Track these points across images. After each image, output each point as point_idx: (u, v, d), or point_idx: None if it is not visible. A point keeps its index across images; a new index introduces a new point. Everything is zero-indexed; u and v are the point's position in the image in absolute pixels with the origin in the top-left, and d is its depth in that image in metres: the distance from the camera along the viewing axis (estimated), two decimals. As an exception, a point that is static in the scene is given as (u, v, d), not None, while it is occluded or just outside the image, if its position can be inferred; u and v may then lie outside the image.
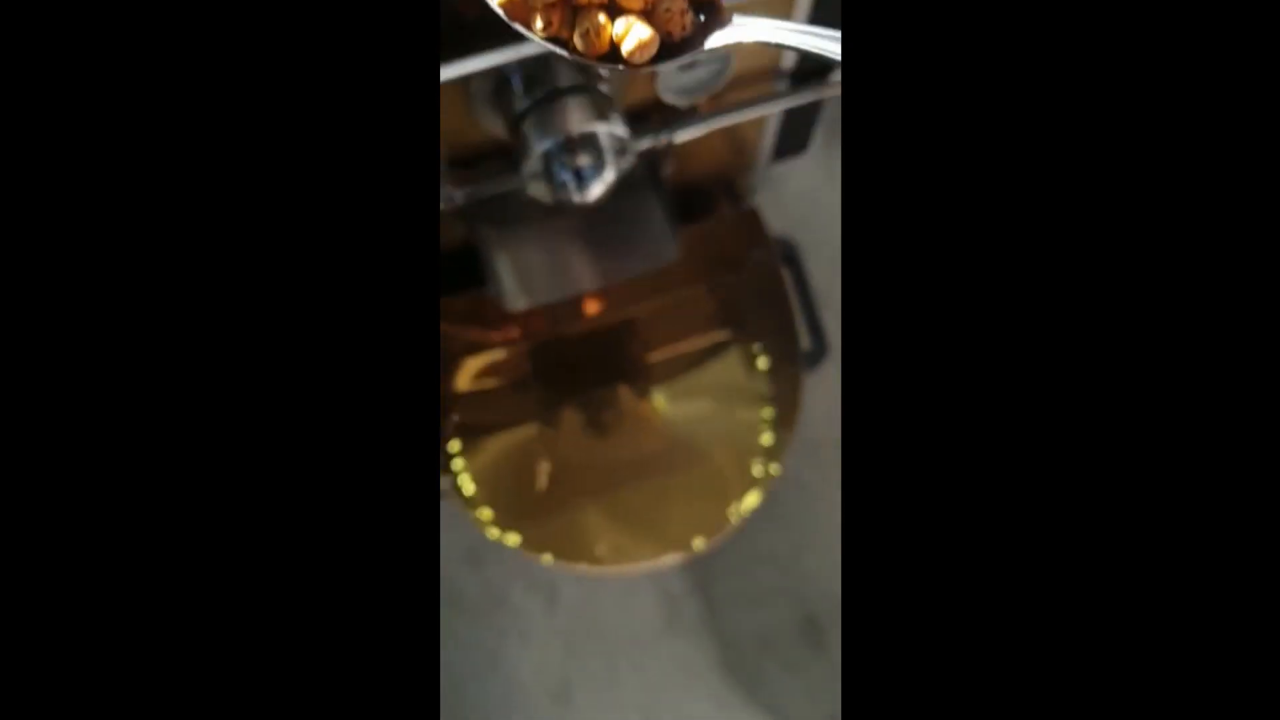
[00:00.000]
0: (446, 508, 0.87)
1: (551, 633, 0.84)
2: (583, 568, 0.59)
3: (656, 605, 0.86)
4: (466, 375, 0.74)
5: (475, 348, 0.74)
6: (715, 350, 0.77)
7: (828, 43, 0.21)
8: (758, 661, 0.85)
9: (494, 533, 0.59)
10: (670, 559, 0.63)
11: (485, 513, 0.64)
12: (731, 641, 0.85)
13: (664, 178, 0.56)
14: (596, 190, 0.43)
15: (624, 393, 0.75)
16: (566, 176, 0.42)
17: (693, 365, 0.77)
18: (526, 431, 0.72)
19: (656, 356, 0.76)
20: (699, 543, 0.61)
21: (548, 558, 0.60)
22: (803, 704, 0.84)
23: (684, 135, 0.51)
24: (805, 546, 0.87)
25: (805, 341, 0.65)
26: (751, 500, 0.63)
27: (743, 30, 0.22)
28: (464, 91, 0.43)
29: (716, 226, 0.65)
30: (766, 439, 0.69)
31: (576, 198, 0.43)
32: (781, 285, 0.65)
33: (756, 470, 0.69)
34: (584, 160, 0.41)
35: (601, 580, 0.86)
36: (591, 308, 0.77)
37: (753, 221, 0.65)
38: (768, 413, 0.71)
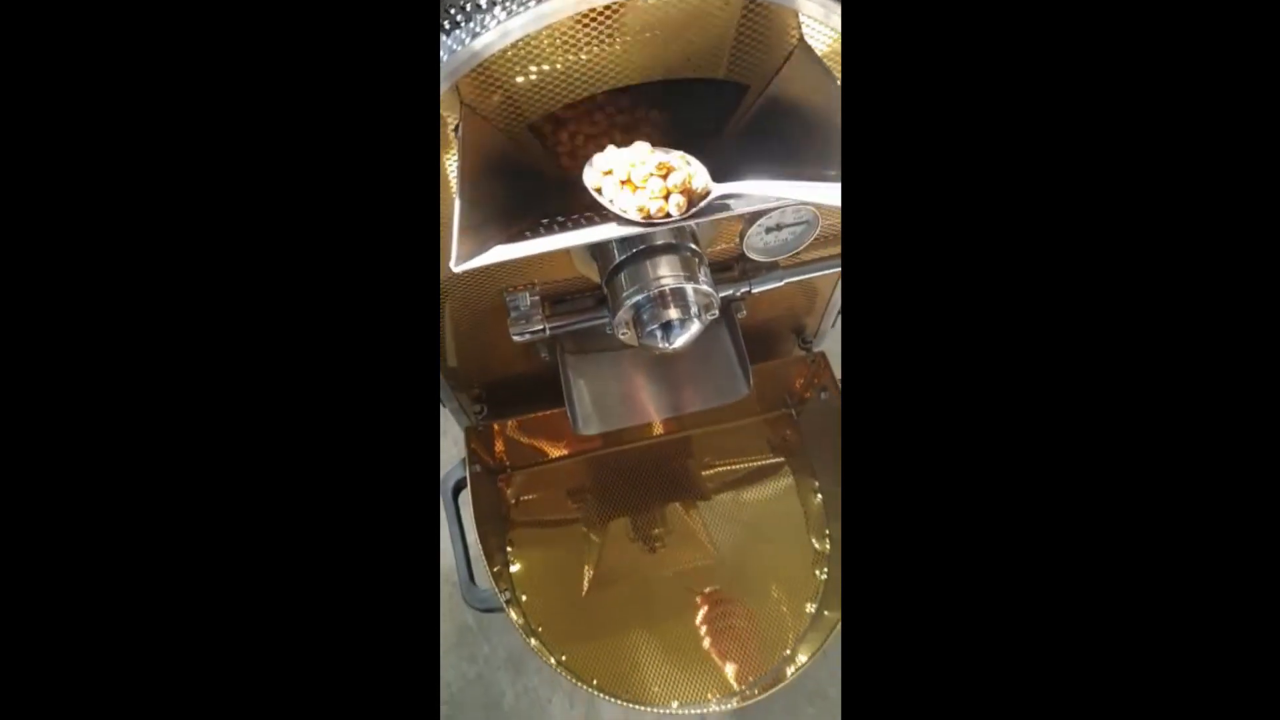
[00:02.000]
0: (494, 616, 0.87)
1: (586, 754, 0.82)
2: (629, 704, 0.58)
3: (696, 736, 0.83)
4: (525, 484, 0.76)
5: (539, 459, 0.76)
6: (766, 473, 0.77)
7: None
8: (798, 810, 0.80)
9: (545, 655, 0.59)
10: (720, 704, 0.62)
11: (539, 629, 0.64)
12: (771, 783, 0.81)
13: (739, 319, 0.58)
14: (681, 341, 0.45)
15: (674, 508, 0.76)
16: (655, 328, 0.44)
17: (744, 484, 0.78)
18: (573, 534, 0.73)
19: (713, 482, 0.77)
20: (752, 693, 0.59)
21: (594, 685, 0.59)
22: None
23: (762, 288, 0.54)
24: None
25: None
26: (809, 646, 0.62)
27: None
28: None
29: (785, 366, 0.67)
30: (824, 577, 0.68)
31: (663, 346, 0.45)
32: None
33: (810, 609, 0.68)
34: (673, 314, 0.44)
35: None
36: (655, 428, 0.79)
37: (820, 365, 0.67)
38: (825, 548, 0.70)
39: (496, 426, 0.65)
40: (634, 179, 0.36)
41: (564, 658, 0.63)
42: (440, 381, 0.60)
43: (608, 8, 0.35)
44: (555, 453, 0.76)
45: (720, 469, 0.80)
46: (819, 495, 0.74)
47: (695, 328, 0.45)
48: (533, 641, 0.59)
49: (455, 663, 0.86)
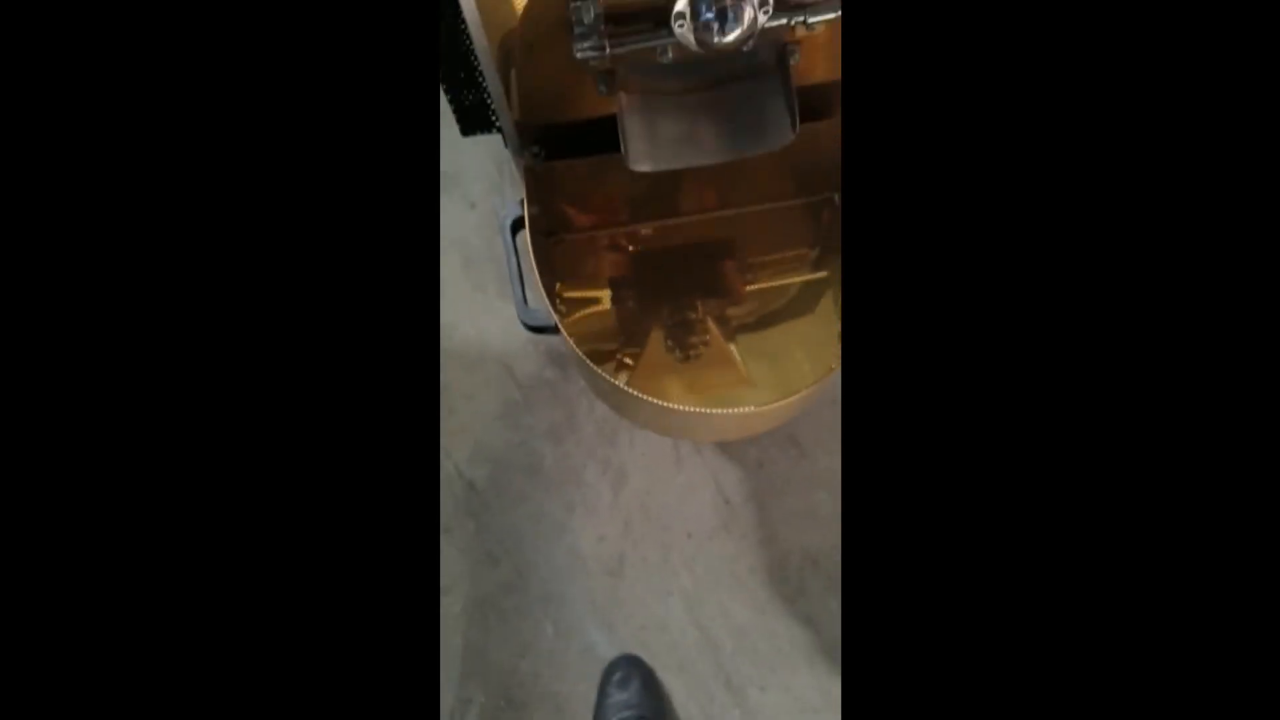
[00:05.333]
0: (542, 390, 0.95)
1: (615, 511, 0.90)
2: (653, 400, 0.63)
3: (714, 507, 0.90)
4: (572, 254, 0.80)
5: (586, 224, 0.80)
6: (807, 293, 0.81)
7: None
8: (801, 576, 0.88)
9: (589, 362, 0.64)
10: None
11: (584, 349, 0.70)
12: (779, 554, 0.89)
13: (792, 65, 0.61)
14: (735, 33, 0.48)
15: (711, 326, 0.80)
16: (710, 15, 0.48)
17: (782, 313, 0.81)
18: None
19: (753, 292, 0.81)
20: (770, 402, 0.64)
21: (634, 389, 0.64)
22: (838, 624, 0.86)
23: (817, 18, 0.56)
24: (867, 475, 0.90)
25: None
26: (824, 371, 0.67)
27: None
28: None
29: (830, 129, 0.69)
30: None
31: (717, 39, 0.49)
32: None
33: (836, 364, 0.72)
34: (728, 1, 0.47)
35: (667, 476, 0.91)
36: (696, 200, 0.81)
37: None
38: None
39: (555, 168, 0.70)
40: None
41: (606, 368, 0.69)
42: (504, 115, 0.64)
43: None
44: (602, 219, 0.80)
45: (762, 285, 0.83)
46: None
47: (748, 18, 0.48)
48: (582, 354, 0.64)
49: (501, 430, 0.94)
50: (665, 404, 0.62)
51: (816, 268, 0.82)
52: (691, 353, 0.82)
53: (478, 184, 1.04)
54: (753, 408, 0.62)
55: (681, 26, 0.49)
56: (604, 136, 0.64)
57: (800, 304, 0.82)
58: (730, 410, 0.62)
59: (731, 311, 0.81)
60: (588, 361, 0.63)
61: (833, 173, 0.77)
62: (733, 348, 0.79)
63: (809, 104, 0.68)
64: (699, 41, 0.50)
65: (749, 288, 0.83)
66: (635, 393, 0.62)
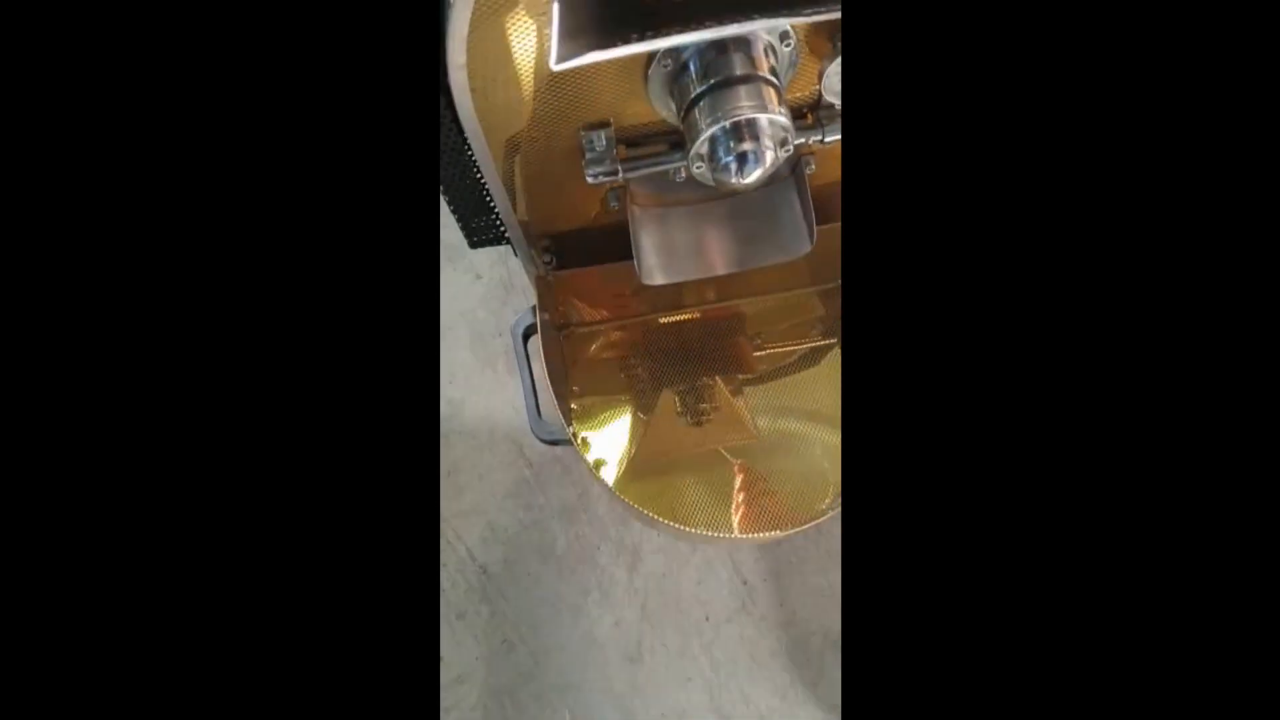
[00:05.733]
0: (554, 467, 0.94)
1: (631, 594, 0.89)
2: (673, 524, 0.63)
3: (731, 588, 0.89)
4: (581, 348, 0.80)
5: (598, 317, 0.80)
6: (816, 356, 0.80)
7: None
8: (822, 659, 0.86)
9: (602, 479, 0.64)
10: (763, 536, 0.67)
11: (595, 459, 0.69)
12: (800, 636, 0.87)
13: (808, 175, 0.60)
14: (755, 175, 0.47)
15: (720, 387, 0.79)
16: (730, 160, 0.46)
17: (793, 368, 0.81)
18: (622, 412, 0.77)
19: (761, 354, 0.80)
20: (791, 528, 0.64)
21: (648, 511, 0.64)
22: (864, 708, 0.85)
23: (834, 138, 0.55)
24: (887, 555, 0.89)
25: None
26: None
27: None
28: (643, 75, 0.49)
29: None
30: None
31: (736, 180, 0.47)
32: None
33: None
34: (747, 145, 0.45)
35: (682, 556, 0.90)
36: (709, 293, 0.81)
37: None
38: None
39: (564, 277, 0.69)
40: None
41: (618, 489, 0.68)
42: (514, 229, 0.62)
43: None
44: (615, 314, 0.80)
45: (771, 350, 0.82)
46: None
47: (769, 160, 0.46)
48: (599, 472, 0.63)
49: (513, 510, 0.93)
50: (682, 527, 0.61)
51: (826, 336, 0.81)
52: (703, 418, 0.81)
53: (484, 254, 1.03)
54: (777, 532, 0.61)
55: (700, 168, 0.48)
56: (616, 244, 0.63)
57: (808, 361, 0.82)
58: (755, 535, 0.61)
59: (741, 376, 0.80)
60: (604, 481, 0.62)
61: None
62: (742, 405, 0.78)
63: (824, 204, 0.66)
64: (717, 182, 0.48)
65: (758, 353, 0.83)
66: (652, 515, 0.61)
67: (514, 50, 0.44)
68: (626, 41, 0.37)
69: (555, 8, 0.35)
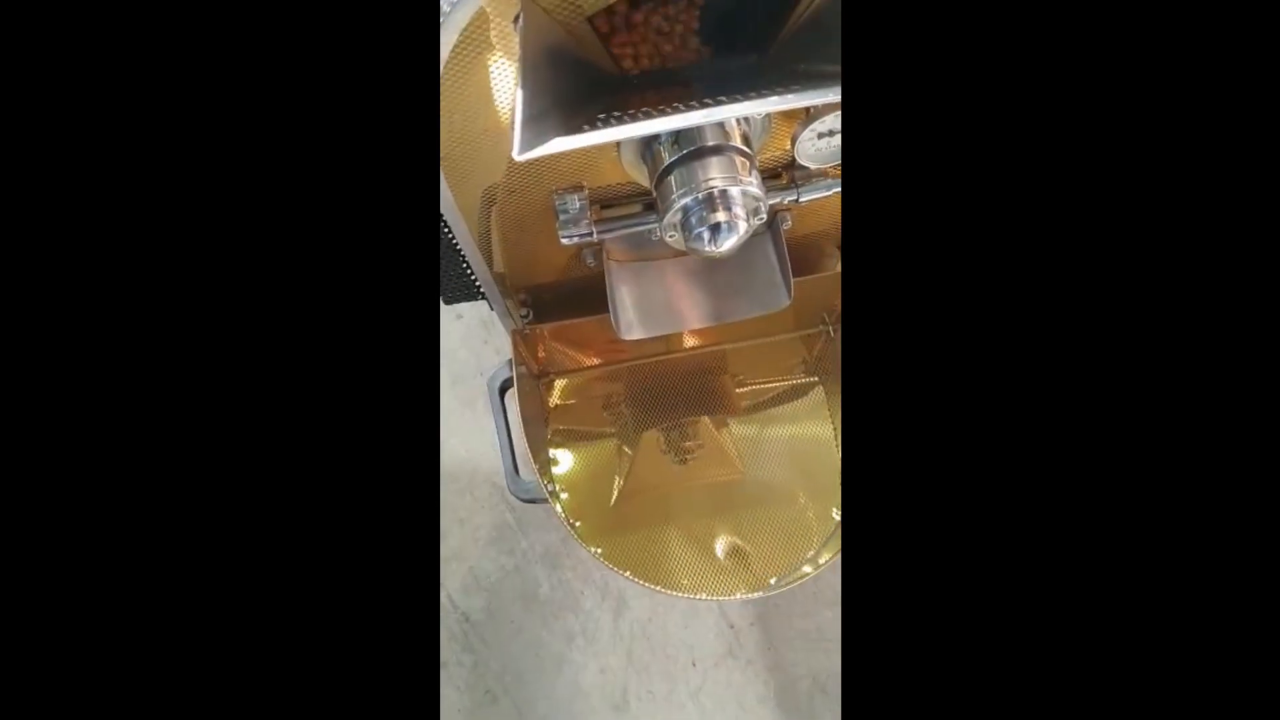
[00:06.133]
0: (536, 510, 0.92)
1: (617, 640, 0.88)
2: (659, 589, 0.62)
3: (718, 632, 0.88)
4: (563, 390, 0.79)
5: (579, 364, 0.79)
6: (799, 392, 0.79)
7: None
8: (810, 704, 0.85)
9: (582, 543, 0.63)
10: (743, 594, 0.66)
11: (577, 523, 0.68)
12: (787, 680, 0.86)
13: (784, 230, 0.59)
14: (729, 245, 0.46)
15: (705, 423, 0.78)
16: (703, 230, 0.45)
17: (775, 402, 0.80)
18: (605, 448, 0.76)
19: (746, 400, 0.79)
20: (774, 581, 0.63)
21: (628, 574, 0.63)
22: (853, 754, 0.84)
23: (809, 197, 0.54)
24: (874, 597, 0.88)
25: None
26: (832, 549, 0.65)
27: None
28: (615, 142, 0.48)
29: (826, 281, 0.67)
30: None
31: (710, 249, 0.46)
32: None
33: (836, 515, 0.70)
34: (720, 216, 0.45)
35: (668, 600, 0.89)
36: (693, 340, 0.81)
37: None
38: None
39: (542, 330, 0.68)
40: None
41: (599, 550, 0.67)
42: (489, 285, 0.61)
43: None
44: (595, 360, 0.79)
45: (754, 387, 0.82)
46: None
47: (743, 230, 0.46)
48: (574, 529, 0.62)
49: (495, 556, 0.91)
50: (667, 591, 0.60)
51: (809, 374, 0.81)
52: (688, 456, 0.80)
53: (463, 293, 1.02)
54: (760, 593, 0.60)
55: (673, 236, 0.47)
56: (593, 297, 0.62)
57: (791, 396, 0.81)
58: (734, 596, 0.60)
59: (726, 415, 0.80)
60: (585, 545, 0.61)
61: (824, 310, 0.76)
62: (728, 441, 0.77)
63: (803, 255, 0.66)
64: (691, 250, 0.47)
65: (740, 390, 0.82)
66: (635, 579, 0.60)
67: (493, 99, 0.43)
68: (593, 126, 0.36)
69: (519, 95, 0.35)
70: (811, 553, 0.67)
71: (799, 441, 0.77)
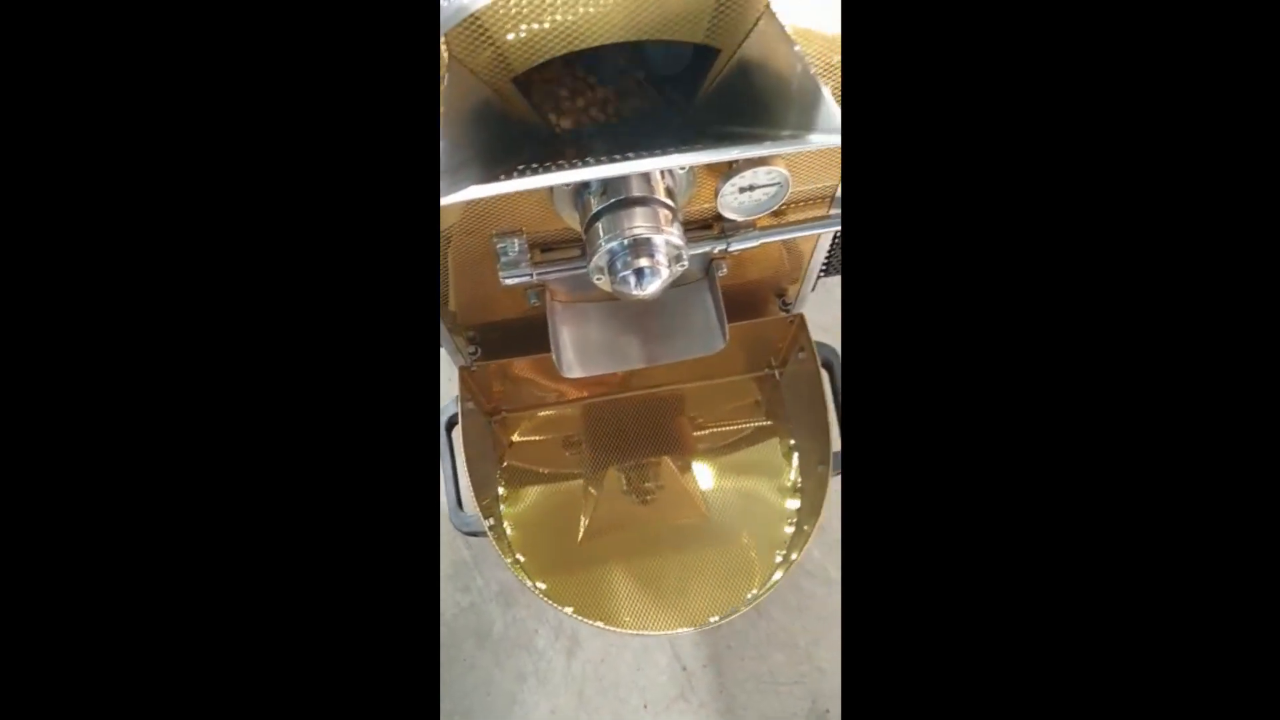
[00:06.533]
0: (487, 547, 0.93)
1: (568, 681, 0.87)
2: (600, 625, 0.63)
3: (671, 674, 0.88)
4: (522, 427, 0.80)
5: (535, 401, 0.80)
6: (755, 438, 0.81)
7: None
8: (762, 748, 0.85)
9: (524, 577, 0.64)
10: (684, 630, 0.67)
11: (520, 558, 0.69)
12: (739, 723, 0.86)
13: (719, 277, 0.62)
14: (653, 288, 0.49)
15: (667, 465, 0.80)
16: (628, 274, 0.48)
17: (733, 448, 0.81)
18: (569, 487, 0.77)
19: (705, 443, 0.81)
20: (715, 619, 0.64)
21: (569, 610, 0.64)
22: (802, 801, 0.83)
23: (738, 247, 0.57)
24: (823, 639, 0.88)
25: (837, 443, 0.68)
26: (770, 587, 0.66)
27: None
28: (549, 190, 0.51)
29: (767, 326, 0.70)
30: (791, 530, 0.72)
31: (635, 292, 0.49)
32: (820, 388, 0.69)
33: (778, 558, 0.72)
34: (643, 262, 0.47)
35: (621, 640, 0.89)
36: (650, 380, 0.82)
37: (800, 326, 0.70)
38: (795, 504, 0.74)
39: (489, 367, 0.70)
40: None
41: (543, 585, 0.68)
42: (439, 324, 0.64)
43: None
44: (549, 397, 0.80)
45: (712, 429, 0.83)
46: (795, 453, 0.77)
47: (665, 275, 0.48)
48: (511, 563, 0.63)
49: (450, 593, 0.92)
50: (608, 627, 0.61)
51: (762, 418, 0.82)
52: (648, 497, 0.81)
53: (430, 332, 1.04)
54: (717, 618, 0.61)
55: (600, 279, 0.49)
56: (538, 335, 0.64)
57: (748, 441, 0.82)
58: (693, 628, 0.61)
59: (685, 457, 0.81)
60: (527, 580, 0.61)
61: (771, 353, 0.78)
62: (693, 483, 0.78)
63: (744, 300, 0.69)
64: (618, 292, 0.50)
65: (698, 433, 0.83)
66: (574, 614, 0.61)
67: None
68: (509, 175, 0.39)
69: (442, 144, 0.37)
70: (752, 593, 0.68)
71: (748, 483, 0.79)
